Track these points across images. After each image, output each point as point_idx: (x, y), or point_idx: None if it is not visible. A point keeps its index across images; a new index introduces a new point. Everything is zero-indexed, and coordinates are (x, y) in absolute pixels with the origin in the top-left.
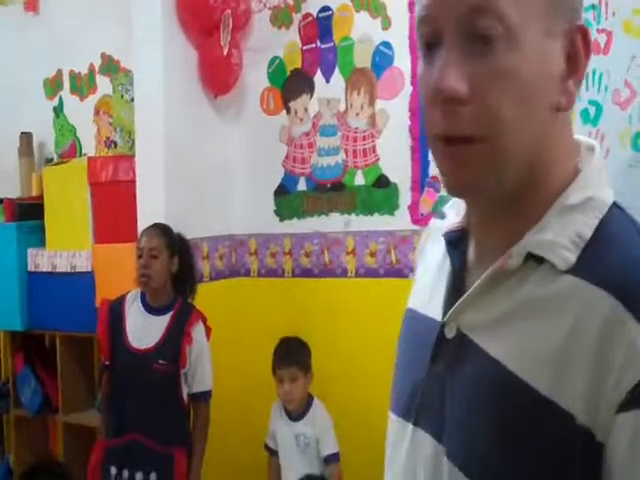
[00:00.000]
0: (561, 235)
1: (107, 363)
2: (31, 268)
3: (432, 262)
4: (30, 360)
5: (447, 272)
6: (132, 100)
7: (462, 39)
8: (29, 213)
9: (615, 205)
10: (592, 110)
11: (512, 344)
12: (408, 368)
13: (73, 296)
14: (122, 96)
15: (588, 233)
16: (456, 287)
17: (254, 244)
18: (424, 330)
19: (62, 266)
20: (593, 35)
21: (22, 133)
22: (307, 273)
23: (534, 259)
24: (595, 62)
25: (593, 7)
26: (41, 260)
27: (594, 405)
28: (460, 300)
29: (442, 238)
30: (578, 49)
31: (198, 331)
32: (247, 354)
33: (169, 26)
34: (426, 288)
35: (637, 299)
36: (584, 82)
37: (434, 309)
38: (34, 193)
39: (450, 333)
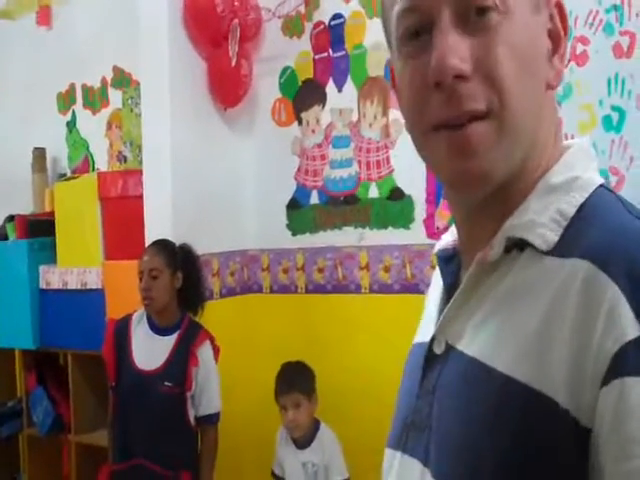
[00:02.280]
0: (541, 214)
1: (113, 384)
2: (43, 285)
3: (433, 290)
4: (42, 379)
5: (441, 292)
6: (141, 114)
7: (457, 19)
8: (41, 229)
9: (603, 186)
10: (615, 116)
11: (489, 339)
12: (402, 399)
13: (84, 314)
14: (132, 110)
15: (571, 211)
16: (446, 304)
17: (266, 259)
18: (418, 355)
19: (73, 283)
20: (615, 37)
21: (35, 148)
22: (320, 289)
23: (517, 248)
24: (618, 66)
25: (615, 8)
26: (52, 277)
27: (577, 387)
28: (444, 311)
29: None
30: (557, 25)
31: (205, 352)
32: (260, 373)
33: (176, 37)
34: (426, 318)
35: (615, 262)
36: (605, 86)
37: (428, 333)
38: (47, 209)
39: (439, 348)
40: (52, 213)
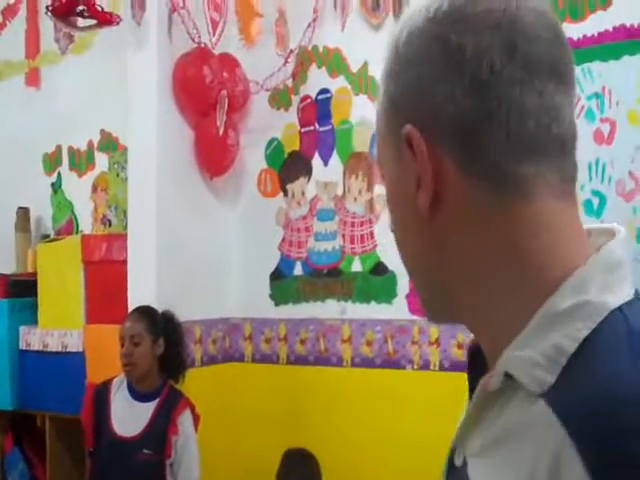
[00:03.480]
0: (538, 350)
1: (91, 449)
2: (22, 346)
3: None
4: (19, 441)
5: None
6: (127, 178)
7: None
8: (22, 290)
9: (619, 309)
10: (595, 201)
11: (485, 473)
12: None
13: (64, 376)
14: (118, 174)
15: (572, 347)
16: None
17: (249, 328)
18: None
19: (53, 345)
20: (596, 124)
21: (19, 208)
22: (302, 361)
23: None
24: (599, 151)
25: (596, 95)
26: (33, 338)
27: None
28: (459, 425)
29: None
30: (418, 161)
31: (185, 420)
32: (240, 443)
33: (165, 104)
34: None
35: (589, 438)
36: (586, 172)
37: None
38: (29, 269)
39: (458, 461)
40: (34, 274)
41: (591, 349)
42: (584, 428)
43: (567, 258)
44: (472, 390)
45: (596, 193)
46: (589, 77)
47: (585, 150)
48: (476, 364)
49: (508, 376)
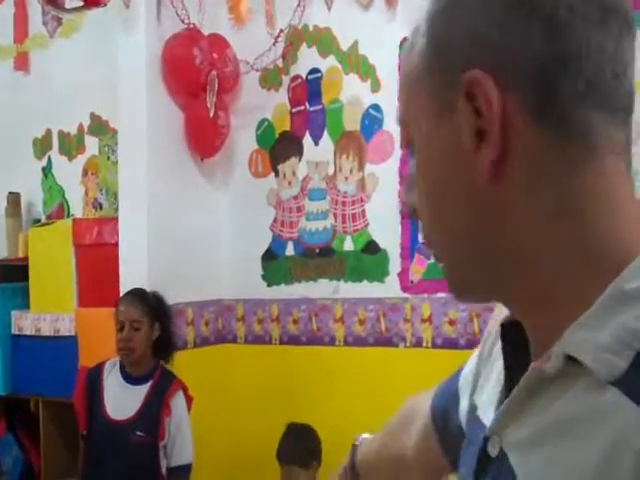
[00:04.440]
0: (608, 333)
1: (84, 433)
2: (15, 331)
3: (498, 356)
4: (12, 425)
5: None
6: (117, 161)
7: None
8: (14, 275)
9: None
10: None
11: (538, 469)
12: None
13: (57, 361)
14: (108, 157)
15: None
16: (508, 389)
17: (241, 310)
18: (475, 437)
19: (46, 329)
20: None
21: (10, 193)
22: (295, 341)
23: (579, 362)
24: None
25: None
26: (25, 323)
27: None
28: (499, 411)
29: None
30: (484, 113)
31: (178, 402)
32: (233, 424)
33: (154, 86)
34: (489, 383)
35: None
36: None
37: (489, 412)
38: (21, 254)
39: (493, 450)
40: (26, 258)
41: None
42: None
43: (631, 234)
44: (508, 368)
45: None
46: None
47: None
48: (508, 342)
49: (569, 360)
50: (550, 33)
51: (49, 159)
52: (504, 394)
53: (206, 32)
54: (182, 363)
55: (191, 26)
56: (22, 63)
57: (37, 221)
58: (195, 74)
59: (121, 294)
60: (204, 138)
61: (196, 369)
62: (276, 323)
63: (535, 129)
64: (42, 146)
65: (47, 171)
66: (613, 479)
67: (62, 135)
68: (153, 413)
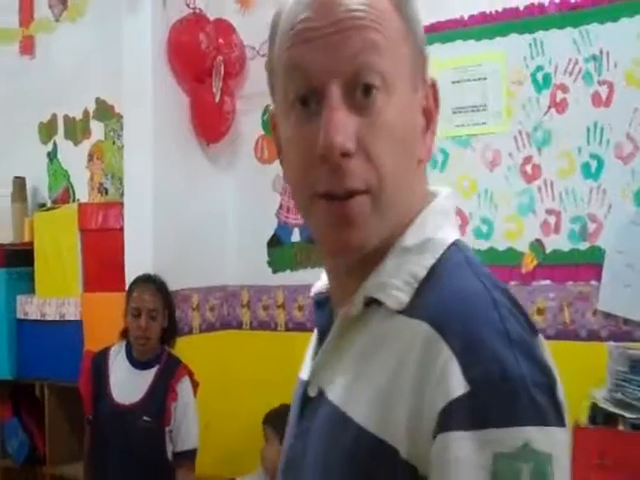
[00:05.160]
0: (395, 276)
1: (90, 417)
2: (20, 315)
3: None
4: (18, 410)
5: (316, 334)
6: (123, 146)
7: (345, 95)
8: (20, 259)
9: (454, 244)
10: (593, 164)
11: (348, 387)
12: (287, 435)
13: (62, 345)
14: (114, 142)
15: (422, 273)
16: (321, 346)
17: (246, 296)
18: (297, 394)
19: (51, 314)
20: (594, 86)
21: (15, 177)
22: (300, 327)
23: (376, 303)
24: (596, 115)
25: (594, 58)
26: (30, 307)
27: (415, 436)
28: (316, 358)
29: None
30: (431, 103)
31: (184, 387)
32: (238, 409)
33: (160, 71)
34: (308, 354)
35: (449, 324)
36: (585, 135)
37: (306, 371)
38: (26, 238)
39: (313, 392)
40: (31, 243)
41: (439, 272)
42: (444, 320)
43: (413, 201)
44: (320, 331)
45: (594, 156)
46: (587, 39)
47: (583, 113)
48: (321, 311)
49: (367, 302)
50: None
51: (54, 144)
52: (316, 351)
53: (212, 17)
54: (187, 349)
55: (197, 11)
56: (28, 47)
57: (42, 206)
58: (201, 59)
59: (126, 279)
60: (210, 123)
61: (201, 355)
62: (281, 309)
63: None
64: (48, 131)
65: (53, 156)
66: (400, 387)
67: (67, 120)
68: (159, 398)
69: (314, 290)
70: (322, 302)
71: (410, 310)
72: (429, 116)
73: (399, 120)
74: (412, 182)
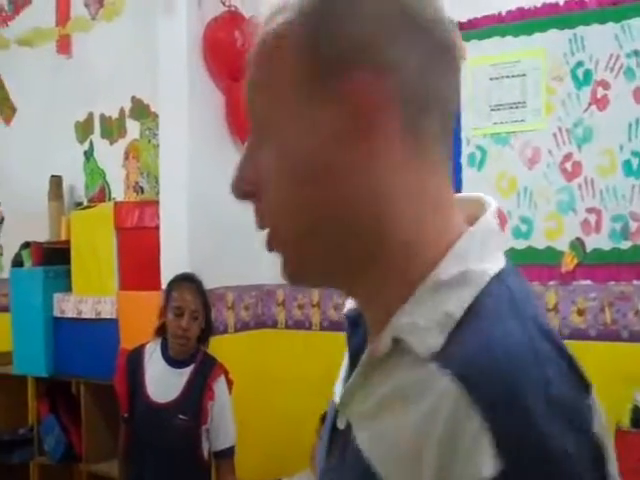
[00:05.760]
0: (426, 316)
1: (125, 415)
2: (57, 313)
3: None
4: (55, 407)
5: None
6: (159, 145)
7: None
8: (56, 257)
9: (498, 276)
10: (635, 162)
11: (375, 433)
12: (318, 462)
13: (98, 343)
14: (149, 140)
15: (458, 313)
16: (352, 370)
17: (282, 294)
18: (328, 417)
19: (87, 312)
20: (636, 82)
21: (52, 176)
22: (335, 326)
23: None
24: (638, 111)
25: (636, 53)
26: (67, 306)
27: None
28: (343, 390)
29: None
30: (360, 101)
31: (220, 386)
32: (274, 408)
33: (195, 70)
34: (341, 374)
35: (480, 385)
36: (626, 132)
37: (338, 393)
38: (63, 237)
39: (341, 424)
40: (68, 241)
41: (477, 313)
42: (477, 379)
43: (444, 227)
44: (352, 354)
45: (636, 154)
46: (629, 34)
47: (624, 109)
48: (354, 331)
49: (396, 342)
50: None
51: (91, 143)
52: (348, 375)
53: (247, 14)
54: (222, 347)
55: (232, 9)
56: (64, 46)
57: (79, 204)
58: (236, 57)
59: (162, 277)
60: (245, 121)
61: (236, 353)
62: (317, 308)
63: None
64: (84, 130)
65: (89, 155)
66: (427, 445)
67: (104, 119)
68: (195, 397)
69: (347, 307)
70: (355, 319)
71: (444, 357)
72: (366, 122)
73: (283, 155)
74: (314, 203)
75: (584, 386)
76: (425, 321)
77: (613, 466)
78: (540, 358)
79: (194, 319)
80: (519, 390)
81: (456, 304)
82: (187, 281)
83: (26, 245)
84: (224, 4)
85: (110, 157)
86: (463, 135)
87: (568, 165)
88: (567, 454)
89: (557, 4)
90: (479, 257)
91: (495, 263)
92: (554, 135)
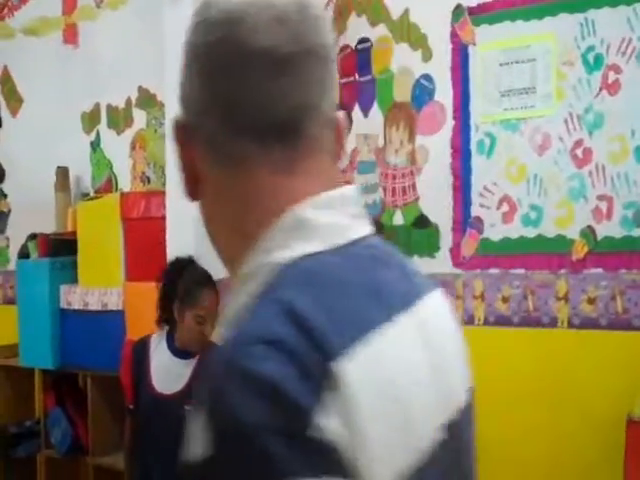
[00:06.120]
0: (228, 310)
1: (131, 407)
2: (63, 305)
3: None
4: (61, 399)
5: None
6: (165, 135)
7: None
8: (63, 249)
9: (289, 264)
10: None
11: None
12: None
13: (104, 335)
14: (155, 130)
15: (244, 304)
16: None
17: None
18: None
19: (94, 303)
20: None
21: (58, 167)
22: None
23: None
24: None
25: None
26: (73, 297)
27: None
28: None
29: None
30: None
31: None
32: None
33: None
34: None
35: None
36: (639, 117)
37: None
38: (70, 228)
39: None
40: (74, 232)
41: (252, 306)
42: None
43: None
44: None
45: None
46: None
47: (637, 95)
48: None
49: None
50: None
51: (97, 133)
52: None
53: None
54: None
55: None
56: (71, 35)
57: (86, 195)
58: None
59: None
60: None
61: None
62: None
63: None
64: (90, 120)
65: (95, 145)
66: None
67: (110, 109)
68: None
69: None
70: None
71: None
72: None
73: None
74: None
75: (317, 375)
76: (228, 313)
77: (331, 429)
78: (253, 339)
79: (214, 324)
80: (213, 370)
81: (248, 296)
82: (209, 285)
83: (33, 237)
84: None
85: (117, 147)
86: (472, 122)
87: (579, 151)
88: (254, 424)
89: None
90: (277, 248)
91: (290, 251)
92: (565, 121)
